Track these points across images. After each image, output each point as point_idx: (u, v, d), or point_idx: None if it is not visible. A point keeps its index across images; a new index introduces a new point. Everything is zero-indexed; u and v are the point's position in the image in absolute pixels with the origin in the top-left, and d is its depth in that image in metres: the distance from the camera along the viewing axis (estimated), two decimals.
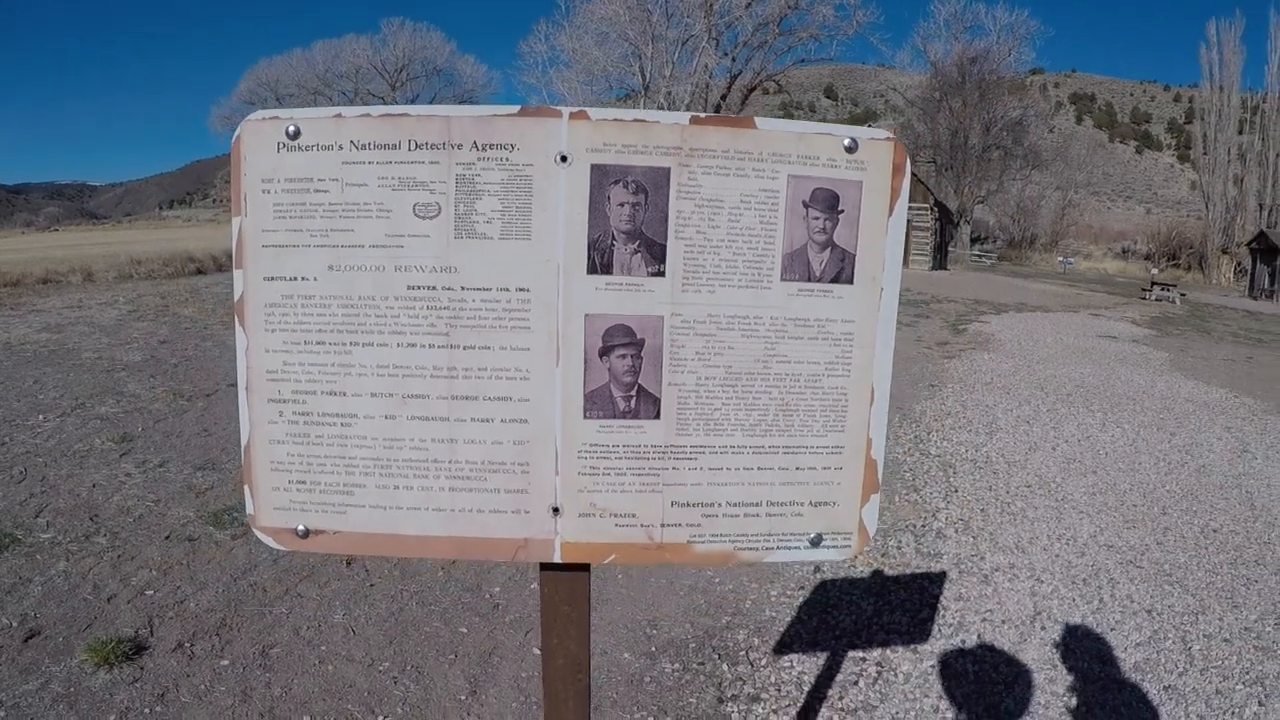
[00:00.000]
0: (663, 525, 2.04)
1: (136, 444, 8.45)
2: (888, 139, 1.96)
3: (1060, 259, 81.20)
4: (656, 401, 1.97)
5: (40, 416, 9.29)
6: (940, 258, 60.12)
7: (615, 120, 1.87)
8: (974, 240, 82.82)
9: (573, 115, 1.87)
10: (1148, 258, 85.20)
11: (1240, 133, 69.48)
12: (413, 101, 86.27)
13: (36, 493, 6.97)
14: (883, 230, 1.98)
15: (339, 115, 1.89)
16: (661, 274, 1.91)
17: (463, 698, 4.45)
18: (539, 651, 4.79)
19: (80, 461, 7.83)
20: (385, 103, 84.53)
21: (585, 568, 2.14)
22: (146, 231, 68.63)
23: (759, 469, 2.04)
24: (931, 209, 55.50)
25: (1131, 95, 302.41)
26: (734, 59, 57.05)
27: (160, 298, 20.10)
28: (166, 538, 6.19)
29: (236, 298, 1.96)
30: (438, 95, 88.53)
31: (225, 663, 4.64)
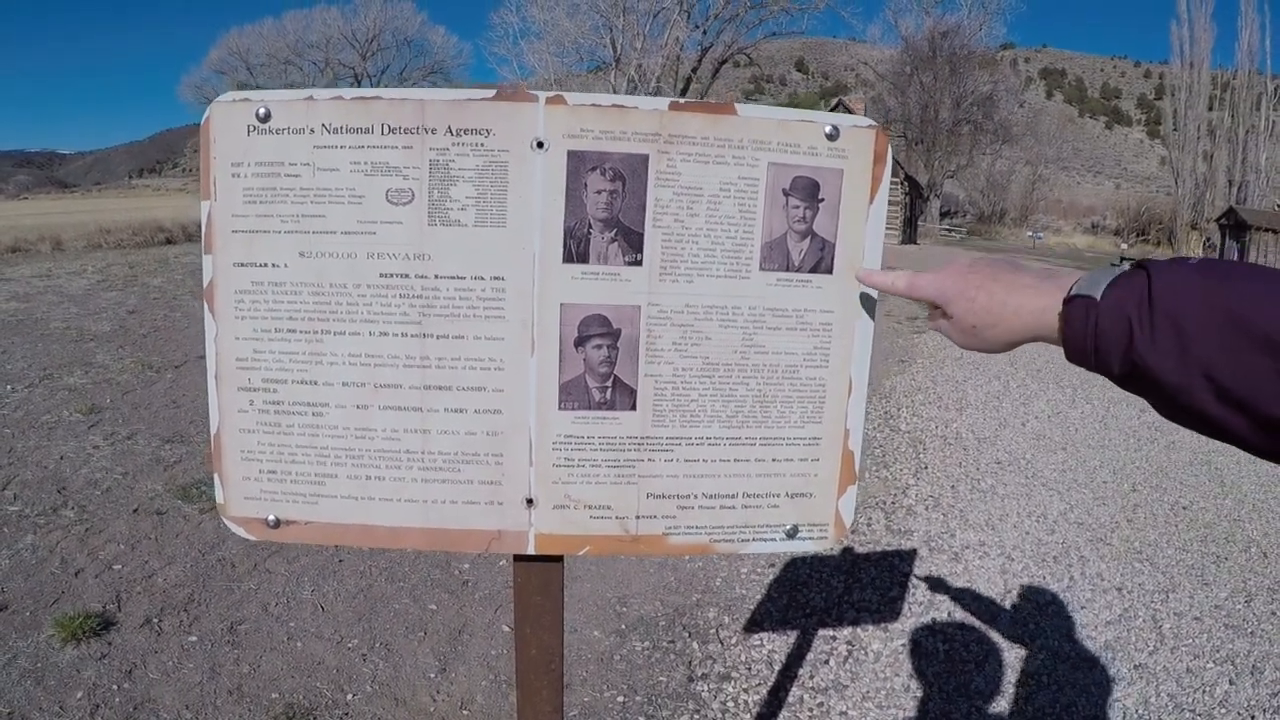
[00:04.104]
0: (638, 517, 2.02)
1: (105, 415, 8.40)
2: (870, 126, 1.93)
3: (1029, 233, 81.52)
4: (632, 392, 1.94)
5: (8, 387, 9.22)
6: (910, 232, 60.36)
7: (593, 105, 1.83)
8: (944, 214, 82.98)
9: (549, 100, 1.83)
10: (1117, 233, 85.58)
11: (1210, 109, 69.70)
12: (383, 72, 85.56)
13: (4, 464, 6.92)
14: (863, 219, 1.95)
15: (310, 98, 1.85)
16: (639, 263, 1.88)
17: (432, 675, 4.45)
18: (509, 629, 4.79)
19: (48, 433, 7.78)
20: (355, 73, 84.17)
21: (559, 559, 2.12)
22: (116, 200, 68.29)
23: (735, 460, 2.03)
24: (901, 183, 55.71)
25: (1102, 71, 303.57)
26: (705, 31, 57.08)
27: (129, 267, 19.99)
28: (135, 511, 6.16)
29: (205, 283, 1.93)
30: (408, 66, 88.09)
31: (193, 639, 4.62)
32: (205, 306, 1.94)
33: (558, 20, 56.72)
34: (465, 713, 4.20)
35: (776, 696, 4.49)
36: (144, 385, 9.68)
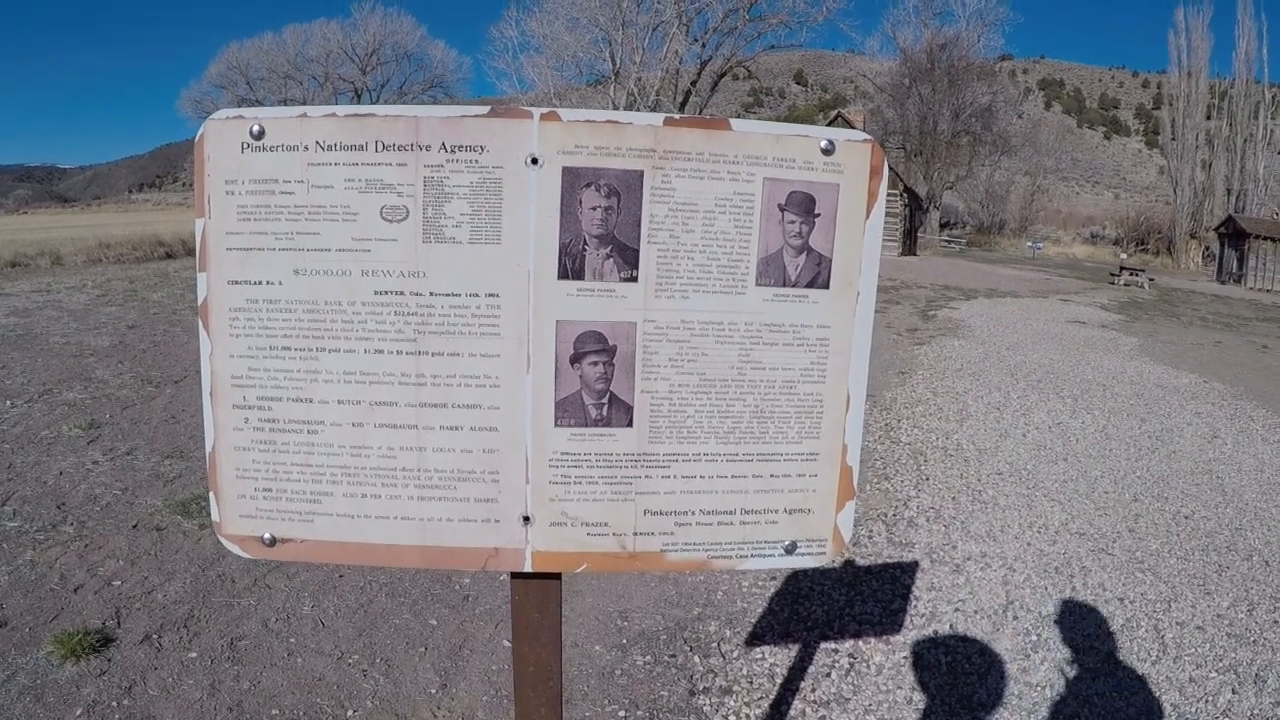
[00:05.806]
0: (635, 534, 2.01)
1: (104, 431, 8.38)
2: (865, 140, 1.93)
3: (1029, 244, 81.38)
4: (629, 409, 1.94)
5: (7, 402, 9.21)
6: (909, 243, 60.28)
7: (587, 121, 1.83)
8: (943, 226, 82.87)
9: (544, 116, 1.83)
10: (1116, 243, 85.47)
11: (1208, 118, 69.78)
12: (383, 86, 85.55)
13: (3, 480, 6.90)
14: (860, 234, 1.95)
15: (304, 115, 1.84)
16: (634, 279, 1.88)
17: (433, 691, 4.43)
18: (509, 644, 4.77)
19: (47, 448, 7.76)
20: (355, 87, 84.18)
21: (557, 576, 2.12)
22: (115, 215, 68.28)
23: (733, 477, 2.02)
24: (901, 195, 55.64)
25: (1100, 81, 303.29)
26: (704, 45, 57.19)
27: (129, 282, 19.99)
28: (134, 527, 6.14)
29: (200, 301, 1.92)
30: (408, 80, 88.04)
31: (193, 655, 4.60)
32: (200, 324, 1.94)
33: (557, 34, 56.84)
34: None
35: (778, 710, 4.47)
36: (143, 400, 9.66)
